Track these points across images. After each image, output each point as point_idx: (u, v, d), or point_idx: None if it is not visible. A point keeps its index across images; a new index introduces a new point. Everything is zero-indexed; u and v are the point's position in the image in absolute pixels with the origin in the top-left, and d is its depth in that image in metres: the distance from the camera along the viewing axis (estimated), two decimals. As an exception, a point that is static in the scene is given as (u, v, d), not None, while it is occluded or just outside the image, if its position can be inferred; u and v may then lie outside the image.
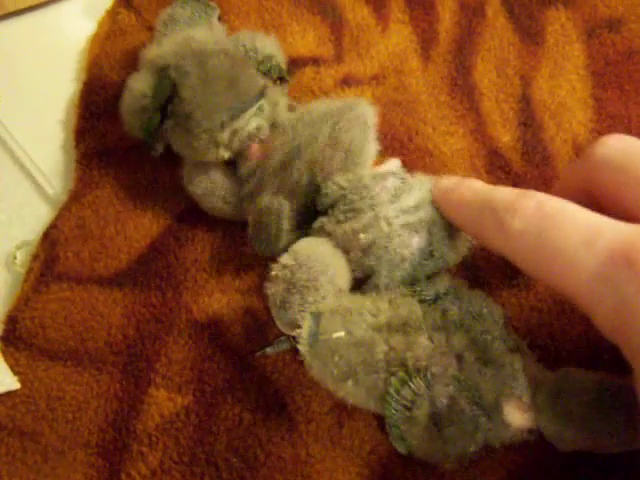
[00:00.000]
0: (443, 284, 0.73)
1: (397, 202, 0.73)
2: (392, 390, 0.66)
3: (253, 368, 0.79)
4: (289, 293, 0.70)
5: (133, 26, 1.03)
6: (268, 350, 0.76)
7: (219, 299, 0.83)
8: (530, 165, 0.89)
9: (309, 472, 0.74)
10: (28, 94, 1.00)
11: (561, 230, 0.53)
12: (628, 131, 0.91)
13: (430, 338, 0.67)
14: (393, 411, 0.67)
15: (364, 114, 0.81)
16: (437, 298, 0.72)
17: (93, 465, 0.76)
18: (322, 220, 0.75)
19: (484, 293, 0.74)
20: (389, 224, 0.72)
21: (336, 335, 0.66)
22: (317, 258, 0.72)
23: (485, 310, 0.71)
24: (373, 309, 0.69)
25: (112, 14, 1.05)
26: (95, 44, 1.02)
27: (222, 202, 0.82)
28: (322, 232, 0.75)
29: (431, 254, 0.73)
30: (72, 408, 0.79)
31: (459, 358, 0.67)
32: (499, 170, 0.89)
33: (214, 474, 0.74)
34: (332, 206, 0.75)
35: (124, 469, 0.75)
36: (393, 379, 0.66)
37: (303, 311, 0.69)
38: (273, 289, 0.71)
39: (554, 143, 0.91)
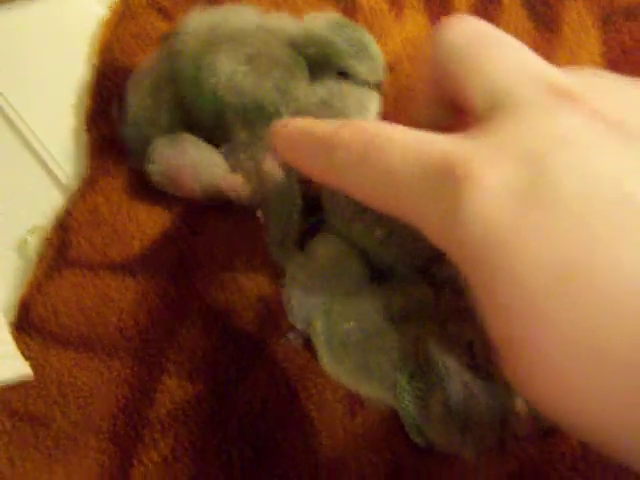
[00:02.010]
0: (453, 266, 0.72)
1: None
2: (405, 382, 0.66)
3: (265, 356, 0.79)
4: (305, 295, 0.70)
5: (144, 8, 1.03)
6: (291, 336, 0.76)
7: (231, 287, 0.82)
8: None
9: (320, 461, 0.74)
10: (40, 78, 1.00)
11: (382, 152, 0.50)
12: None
13: (442, 326, 0.67)
14: (407, 403, 0.67)
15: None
16: (449, 280, 0.72)
17: (105, 451, 0.76)
18: (332, 219, 0.75)
19: None
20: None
21: (347, 327, 0.66)
22: (334, 262, 0.72)
23: None
24: (384, 299, 0.69)
25: (123, -3, 1.04)
26: (107, 28, 1.02)
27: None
28: (334, 232, 0.75)
29: None
30: (84, 394, 0.79)
31: (471, 345, 0.67)
32: (514, 159, 0.88)
33: (225, 461, 0.74)
34: (333, 213, 0.75)
35: (136, 455, 0.75)
36: (405, 370, 0.66)
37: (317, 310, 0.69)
38: (289, 289, 0.71)
39: (569, 131, 0.90)
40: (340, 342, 0.67)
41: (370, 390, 0.71)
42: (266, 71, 0.82)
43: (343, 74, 0.84)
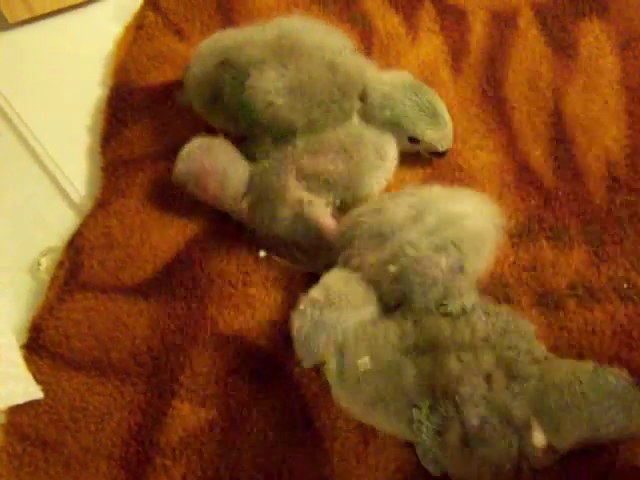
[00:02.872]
0: (470, 298, 0.72)
1: (418, 224, 0.73)
2: (422, 416, 0.66)
3: (279, 383, 0.78)
4: (315, 331, 0.70)
5: (160, 30, 1.03)
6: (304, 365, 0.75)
7: (245, 312, 0.82)
8: (561, 181, 0.88)
9: (333, 489, 0.73)
10: (55, 98, 1.00)
11: None
12: (662, 148, 0.90)
13: (458, 358, 0.67)
14: (424, 437, 0.66)
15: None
16: (464, 312, 0.71)
17: (116, 478, 0.75)
18: (345, 254, 0.75)
19: (511, 308, 0.74)
20: (415, 248, 0.71)
21: (362, 363, 0.66)
22: (348, 297, 0.72)
23: (512, 325, 0.71)
24: (399, 332, 0.69)
25: (139, 17, 1.05)
26: (122, 48, 1.02)
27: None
28: (349, 266, 0.75)
29: (462, 269, 0.73)
30: (95, 419, 0.78)
31: (488, 378, 0.66)
32: (529, 185, 0.88)
33: (237, 490, 0.73)
34: (351, 239, 0.75)
35: (147, 482, 0.75)
36: (422, 404, 0.66)
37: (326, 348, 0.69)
38: (299, 323, 0.71)
39: (586, 159, 0.90)
40: (354, 379, 0.66)
41: (385, 424, 0.70)
42: (303, 108, 0.83)
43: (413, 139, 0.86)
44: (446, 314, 0.71)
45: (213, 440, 0.76)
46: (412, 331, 0.69)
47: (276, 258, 0.85)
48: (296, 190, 0.82)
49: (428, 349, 0.67)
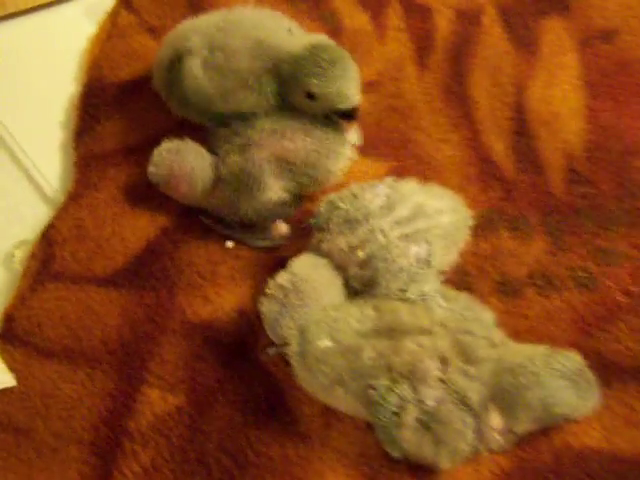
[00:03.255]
0: (430, 285, 0.75)
1: (391, 213, 0.75)
2: (378, 397, 0.68)
3: (245, 369, 0.80)
4: (281, 314, 0.73)
5: (133, 28, 1.05)
6: (270, 351, 0.77)
7: (212, 301, 0.84)
8: (522, 173, 0.91)
9: (298, 472, 0.75)
10: (28, 94, 1.02)
11: None
12: (620, 141, 0.93)
13: (416, 341, 0.69)
14: (382, 417, 0.68)
15: None
16: (423, 298, 0.74)
17: (86, 462, 0.77)
18: (318, 236, 0.78)
19: (470, 295, 0.77)
20: (385, 236, 0.74)
21: (322, 345, 0.68)
22: (313, 284, 0.74)
23: (470, 311, 0.73)
24: (359, 316, 0.71)
25: (113, 16, 1.07)
26: (95, 46, 1.04)
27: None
28: (319, 250, 0.77)
29: (428, 261, 0.75)
30: (66, 405, 0.80)
31: (444, 360, 0.69)
32: (492, 178, 0.91)
33: (205, 473, 0.76)
34: (327, 222, 0.78)
35: (117, 466, 0.77)
36: (379, 386, 0.68)
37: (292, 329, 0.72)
38: (267, 306, 0.74)
39: (546, 152, 0.92)
40: (314, 359, 0.69)
41: (345, 405, 0.72)
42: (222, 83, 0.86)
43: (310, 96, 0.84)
44: (406, 299, 0.73)
45: (181, 425, 0.78)
46: (372, 316, 0.71)
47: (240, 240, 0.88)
48: (273, 180, 0.84)
49: (387, 333, 0.69)
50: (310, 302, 0.72)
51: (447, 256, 0.78)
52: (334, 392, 0.69)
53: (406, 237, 0.74)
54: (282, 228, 0.88)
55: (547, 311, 0.82)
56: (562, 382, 0.67)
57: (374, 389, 0.67)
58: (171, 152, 0.86)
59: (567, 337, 0.80)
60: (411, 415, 0.67)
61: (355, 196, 0.77)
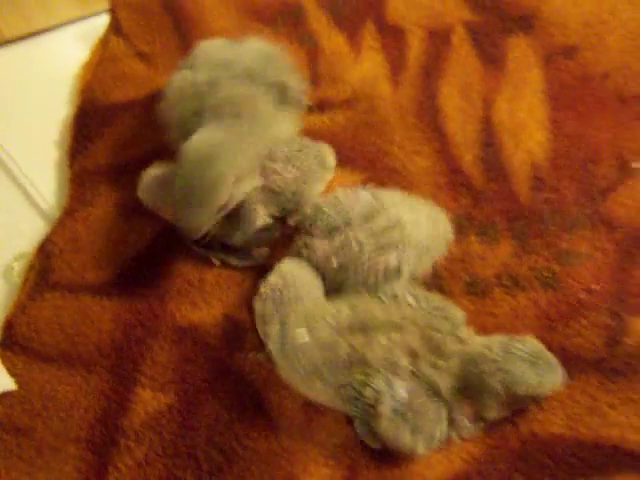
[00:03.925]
0: (401, 285, 0.80)
1: (369, 223, 0.81)
2: (354, 391, 0.73)
3: (231, 369, 0.85)
4: (274, 311, 0.78)
5: (123, 52, 1.11)
6: (259, 355, 0.83)
7: (201, 306, 0.89)
8: (490, 182, 0.96)
9: (282, 464, 0.80)
10: (25, 117, 1.08)
11: None
12: (582, 150, 0.98)
13: (387, 337, 0.74)
14: (359, 410, 0.73)
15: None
16: (395, 298, 0.79)
17: (83, 459, 0.82)
18: (300, 241, 0.84)
19: (440, 295, 0.82)
20: (360, 245, 0.80)
21: (301, 339, 0.73)
22: (301, 283, 0.80)
23: (439, 309, 0.78)
24: (335, 313, 0.76)
25: (104, 41, 1.12)
26: (88, 70, 1.10)
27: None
28: (300, 255, 0.83)
29: (399, 271, 0.81)
30: (64, 406, 0.85)
31: (414, 355, 0.74)
32: (461, 186, 0.96)
33: (195, 466, 0.80)
34: (311, 225, 0.83)
35: (112, 462, 0.81)
36: (354, 380, 0.73)
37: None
38: (260, 306, 0.80)
39: (512, 161, 0.98)
40: (293, 350, 0.74)
41: (323, 397, 0.77)
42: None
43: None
44: (379, 299, 0.79)
45: (172, 422, 0.83)
46: (347, 313, 0.76)
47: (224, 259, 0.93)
48: (261, 208, 0.90)
49: (361, 329, 0.74)
50: (299, 300, 0.77)
51: (420, 266, 0.84)
52: (313, 384, 0.74)
53: (380, 248, 0.80)
54: (263, 249, 0.92)
55: (514, 309, 0.87)
56: (521, 364, 0.72)
57: (350, 384, 0.72)
58: (158, 180, 0.89)
59: (533, 333, 0.84)
60: (386, 406, 0.72)
61: (339, 201, 0.83)
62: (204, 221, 0.81)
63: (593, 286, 0.89)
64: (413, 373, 0.73)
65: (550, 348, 0.79)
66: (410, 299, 0.79)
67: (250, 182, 0.85)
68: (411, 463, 0.80)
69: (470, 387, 0.73)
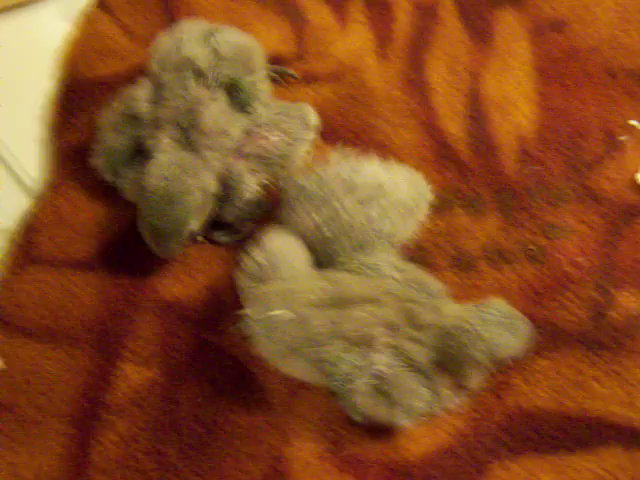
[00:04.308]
0: (382, 256, 0.79)
1: (353, 193, 0.80)
2: (331, 366, 0.72)
3: (215, 343, 0.85)
4: (255, 286, 0.76)
5: (107, 26, 1.10)
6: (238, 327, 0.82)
7: (183, 280, 0.89)
8: (476, 155, 0.96)
9: (265, 438, 0.80)
10: (7, 91, 1.06)
11: None
12: (569, 124, 0.98)
13: (365, 310, 0.73)
14: (338, 384, 0.73)
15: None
16: (376, 269, 0.78)
17: (66, 433, 0.82)
18: (285, 216, 0.83)
19: (419, 267, 0.81)
20: (348, 213, 0.79)
21: (278, 313, 0.73)
22: (286, 258, 0.79)
23: (417, 281, 0.78)
24: (313, 288, 0.75)
25: (87, 15, 1.11)
26: (71, 44, 1.09)
27: None
28: (287, 227, 0.82)
29: (390, 236, 0.81)
30: (47, 381, 0.85)
31: (392, 327, 0.73)
32: (447, 159, 0.96)
33: (177, 439, 0.80)
34: (294, 202, 0.83)
35: (95, 436, 0.81)
36: (330, 355, 0.72)
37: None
38: (243, 280, 0.78)
39: (498, 134, 0.98)
40: (272, 327, 0.73)
41: (302, 372, 0.76)
42: None
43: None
44: (358, 270, 0.78)
45: (155, 396, 0.83)
46: (325, 287, 0.75)
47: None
48: (251, 179, 0.89)
49: (338, 303, 0.73)
50: (283, 275, 0.76)
51: (406, 229, 0.84)
52: (291, 360, 0.73)
53: (368, 215, 0.79)
54: (249, 224, 0.92)
55: (499, 282, 0.87)
56: (497, 329, 0.72)
57: (328, 359, 0.72)
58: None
59: (518, 306, 0.83)
60: (363, 381, 0.72)
61: (319, 177, 0.82)
62: (174, 250, 0.85)
63: (579, 259, 0.89)
64: (390, 346, 0.72)
65: (535, 321, 0.80)
66: (390, 270, 0.78)
67: (208, 207, 0.87)
68: (396, 437, 0.79)
69: (450, 359, 0.72)
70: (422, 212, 0.86)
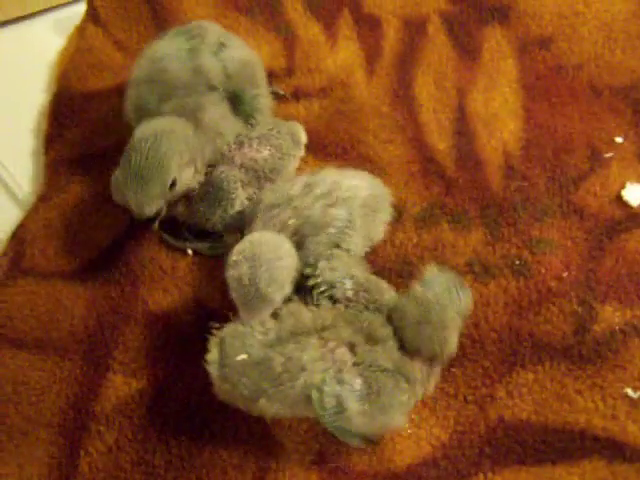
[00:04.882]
0: (343, 269, 0.79)
1: (311, 192, 0.82)
2: (317, 406, 0.72)
3: (202, 356, 0.85)
4: (255, 268, 0.74)
5: (100, 41, 1.11)
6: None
7: (173, 292, 0.90)
8: (462, 170, 0.97)
9: (250, 449, 0.81)
10: (0, 104, 1.08)
11: None
12: (554, 139, 0.99)
13: (320, 337, 0.73)
14: (330, 420, 0.72)
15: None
16: (333, 285, 0.78)
17: (54, 443, 0.82)
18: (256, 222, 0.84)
19: (377, 278, 0.81)
20: (310, 209, 0.81)
21: (239, 358, 0.73)
22: (268, 240, 0.79)
23: (371, 303, 0.77)
24: (261, 328, 0.75)
25: (80, 30, 1.13)
26: (64, 58, 1.10)
27: None
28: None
29: (352, 223, 0.82)
30: (36, 392, 0.86)
31: (351, 346, 0.73)
32: (434, 175, 0.97)
33: (164, 450, 0.81)
34: (254, 216, 0.84)
35: (83, 446, 0.82)
36: (312, 396, 0.71)
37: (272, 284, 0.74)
38: (237, 271, 0.75)
39: (485, 150, 0.99)
40: (235, 372, 0.72)
41: (273, 412, 0.73)
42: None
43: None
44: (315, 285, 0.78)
45: (143, 407, 0.84)
46: (272, 325, 0.75)
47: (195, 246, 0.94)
48: (242, 190, 0.90)
49: (290, 337, 0.73)
50: (271, 259, 0.76)
51: (369, 225, 0.85)
52: (258, 402, 0.72)
53: (328, 206, 0.82)
54: (236, 235, 0.92)
55: (484, 296, 0.88)
56: (444, 300, 0.73)
57: (311, 399, 0.71)
58: None
59: (502, 320, 0.86)
60: (352, 403, 0.71)
61: (274, 189, 0.85)
62: (152, 196, 0.82)
63: (564, 274, 0.90)
64: (356, 363, 0.72)
65: (519, 335, 0.81)
66: (348, 283, 0.78)
67: (190, 174, 0.87)
68: (381, 449, 0.80)
69: (412, 351, 0.73)
70: (385, 211, 0.88)
